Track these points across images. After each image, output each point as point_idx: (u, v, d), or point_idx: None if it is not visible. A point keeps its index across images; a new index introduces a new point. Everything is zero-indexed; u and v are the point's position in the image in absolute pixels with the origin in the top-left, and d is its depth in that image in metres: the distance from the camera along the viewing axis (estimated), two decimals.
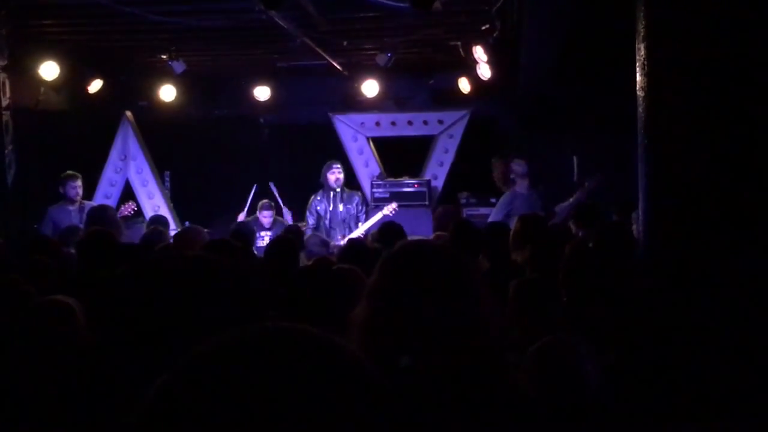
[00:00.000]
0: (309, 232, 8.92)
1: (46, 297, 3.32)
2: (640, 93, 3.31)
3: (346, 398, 0.78)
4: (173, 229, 9.32)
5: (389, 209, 9.35)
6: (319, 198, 9.63)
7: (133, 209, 9.18)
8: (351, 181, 10.31)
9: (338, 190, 9.61)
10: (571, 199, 8.10)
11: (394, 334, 1.73)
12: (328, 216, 9.56)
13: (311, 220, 9.54)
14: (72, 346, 3.03)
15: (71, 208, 8.43)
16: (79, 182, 8.58)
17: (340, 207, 9.58)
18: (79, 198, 8.51)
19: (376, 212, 9.60)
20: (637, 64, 3.30)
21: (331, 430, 0.76)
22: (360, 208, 9.68)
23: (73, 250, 6.02)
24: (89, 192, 9.06)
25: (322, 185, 9.68)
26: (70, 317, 3.12)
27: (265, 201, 9.40)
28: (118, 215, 8.50)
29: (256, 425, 0.74)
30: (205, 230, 7.06)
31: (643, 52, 3.24)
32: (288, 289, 4.80)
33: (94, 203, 8.88)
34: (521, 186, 8.61)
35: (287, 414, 0.75)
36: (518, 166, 8.63)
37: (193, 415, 0.76)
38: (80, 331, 3.11)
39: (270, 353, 0.80)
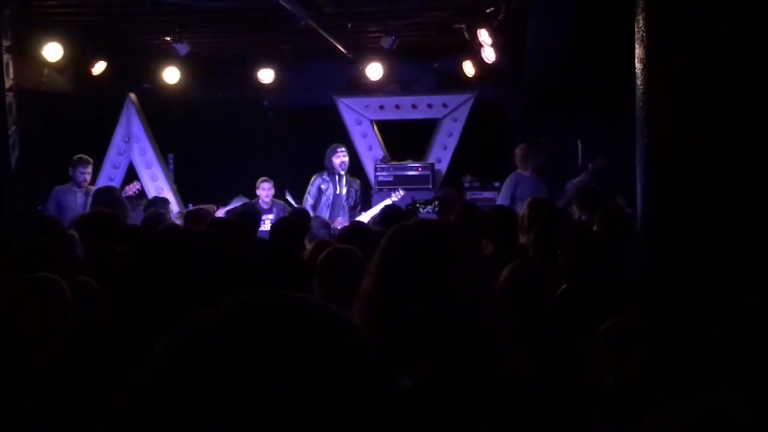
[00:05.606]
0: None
1: (35, 273, 3.29)
2: (638, 65, 3.26)
3: (341, 363, 0.79)
4: (177, 212, 9.32)
5: (396, 196, 9.32)
6: (326, 178, 9.57)
7: (138, 189, 9.19)
8: (354, 165, 10.29)
9: (343, 173, 9.59)
10: (575, 180, 8.13)
11: (395, 306, 1.74)
12: (332, 198, 9.52)
13: (311, 200, 9.49)
14: (62, 322, 3.04)
15: (78, 190, 8.43)
16: (89, 168, 8.57)
17: (344, 191, 9.56)
18: (86, 183, 8.50)
19: (380, 196, 9.58)
20: (636, 36, 3.26)
21: (326, 394, 0.76)
22: (358, 195, 9.68)
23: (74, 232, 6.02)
24: (93, 174, 9.05)
25: (326, 168, 9.63)
26: (60, 294, 3.12)
27: (263, 177, 9.39)
28: (123, 195, 8.51)
29: (252, 393, 0.75)
30: (216, 210, 7.03)
31: (642, 24, 3.20)
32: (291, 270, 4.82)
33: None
34: (525, 170, 8.56)
35: (284, 379, 0.76)
36: (523, 151, 8.53)
37: (191, 381, 0.76)
38: (70, 308, 3.11)
39: (267, 320, 0.80)
